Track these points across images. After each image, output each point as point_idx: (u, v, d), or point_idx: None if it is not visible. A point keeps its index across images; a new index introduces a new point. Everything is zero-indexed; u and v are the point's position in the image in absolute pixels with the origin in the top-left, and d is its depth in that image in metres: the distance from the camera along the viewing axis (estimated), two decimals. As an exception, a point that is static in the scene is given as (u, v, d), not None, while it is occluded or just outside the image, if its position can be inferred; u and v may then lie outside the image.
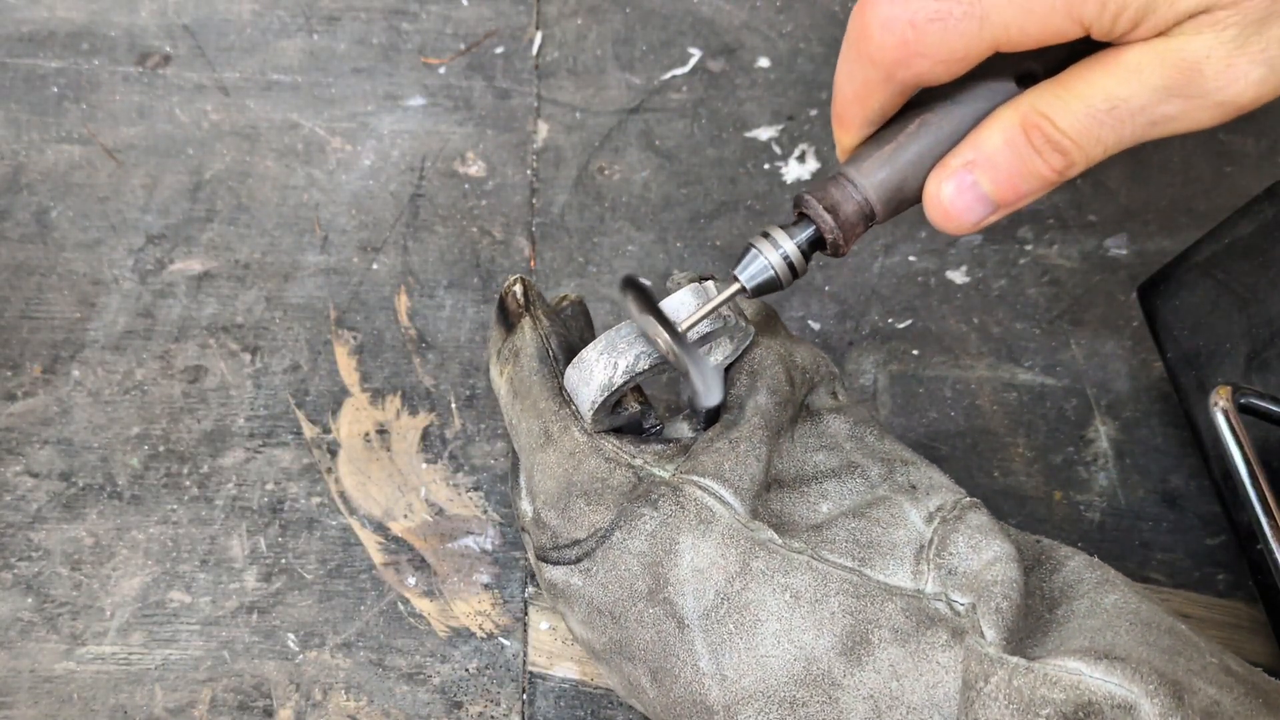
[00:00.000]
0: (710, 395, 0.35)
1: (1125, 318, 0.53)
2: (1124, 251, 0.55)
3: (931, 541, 0.35)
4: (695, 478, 0.35)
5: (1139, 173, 0.57)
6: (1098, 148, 0.32)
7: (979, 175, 0.32)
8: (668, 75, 0.60)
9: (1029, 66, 0.33)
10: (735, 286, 0.35)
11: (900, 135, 0.34)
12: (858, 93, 0.33)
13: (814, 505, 0.37)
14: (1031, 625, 0.34)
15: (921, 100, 0.34)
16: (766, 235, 0.35)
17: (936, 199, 0.33)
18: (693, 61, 0.61)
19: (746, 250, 0.35)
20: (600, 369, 0.36)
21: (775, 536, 0.35)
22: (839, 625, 0.33)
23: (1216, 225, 0.45)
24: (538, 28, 0.61)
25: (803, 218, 0.35)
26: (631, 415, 0.39)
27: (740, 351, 0.38)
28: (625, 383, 0.36)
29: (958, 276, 0.54)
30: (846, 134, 0.35)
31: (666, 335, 0.33)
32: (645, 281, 0.34)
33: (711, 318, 0.36)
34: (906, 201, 0.34)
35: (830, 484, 0.37)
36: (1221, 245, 0.45)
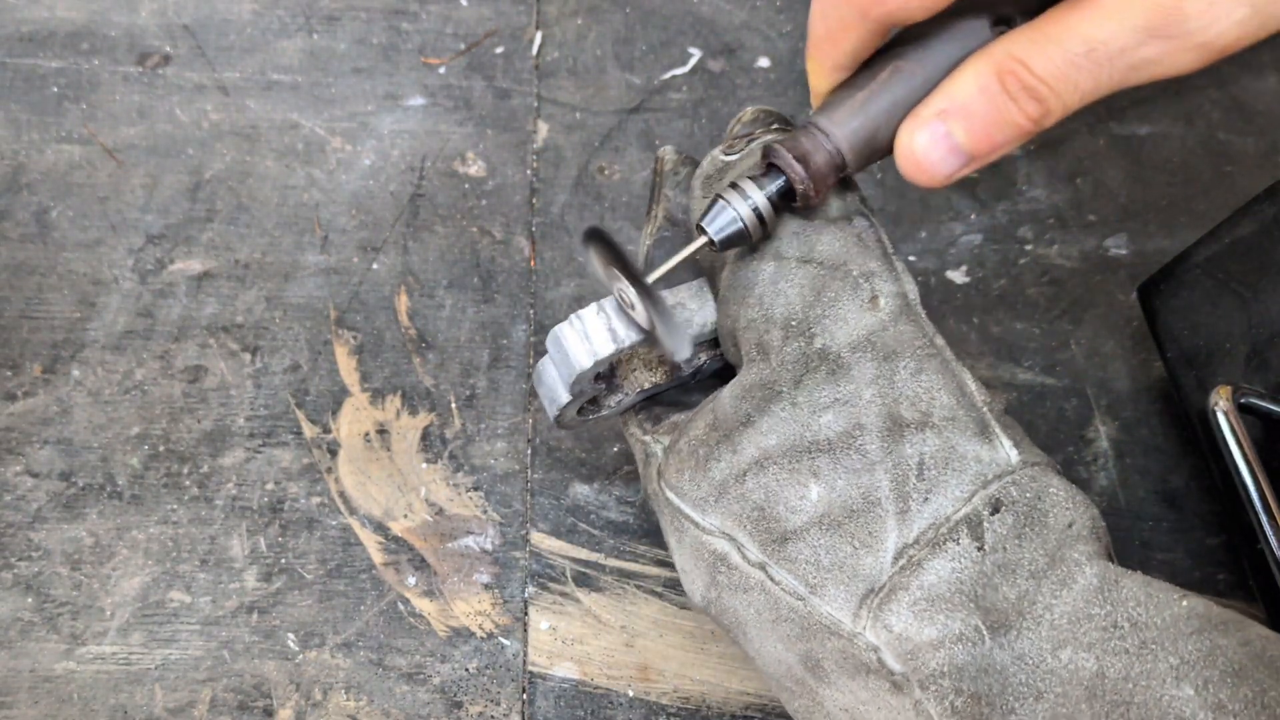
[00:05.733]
0: (679, 351, 0.33)
1: (1125, 318, 0.53)
2: (1124, 251, 0.55)
3: (883, 587, 0.31)
4: (663, 486, 0.36)
5: (1139, 173, 0.57)
6: (1074, 94, 0.30)
7: (952, 125, 0.31)
8: (668, 75, 0.60)
9: (1005, 11, 0.32)
10: (702, 240, 0.33)
11: (872, 83, 0.32)
12: (831, 31, 0.32)
13: (803, 487, 0.33)
14: (1008, 705, 0.31)
15: (895, 47, 0.33)
16: (735, 186, 0.33)
17: (909, 149, 0.32)
18: (693, 61, 0.61)
19: (714, 201, 0.33)
20: (547, 396, 0.38)
21: (733, 552, 0.34)
22: (796, 648, 0.33)
23: (1216, 225, 0.45)
24: (538, 28, 0.61)
25: (772, 168, 0.33)
26: (612, 411, 0.39)
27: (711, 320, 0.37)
28: (568, 404, 0.37)
29: (958, 276, 0.54)
30: (820, 77, 0.33)
31: (633, 288, 0.32)
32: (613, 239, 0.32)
33: (659, 316, 0.34)
34: (879, 151, 0.33)
35: (823, 460, 0.33)
36: (1221, 245, 0.45)
